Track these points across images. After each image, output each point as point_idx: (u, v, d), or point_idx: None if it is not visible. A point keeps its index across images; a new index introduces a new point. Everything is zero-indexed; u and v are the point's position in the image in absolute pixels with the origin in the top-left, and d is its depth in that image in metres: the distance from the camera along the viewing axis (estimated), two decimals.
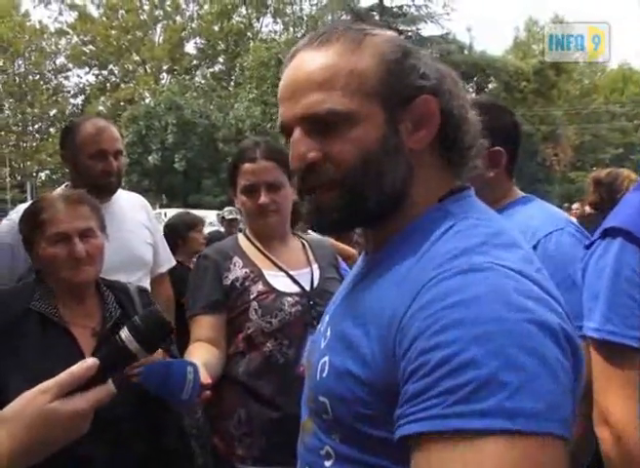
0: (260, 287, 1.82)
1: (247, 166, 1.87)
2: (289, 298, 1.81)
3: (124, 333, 0.94)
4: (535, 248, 1.48)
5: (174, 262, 2.75)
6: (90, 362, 0.90)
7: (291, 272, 1.87)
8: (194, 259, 3.06)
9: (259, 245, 1.92)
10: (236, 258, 1.88)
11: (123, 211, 2.37)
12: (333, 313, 0.93)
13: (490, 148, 1.56)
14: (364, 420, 0.75)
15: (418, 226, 0.83)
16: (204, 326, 1.79)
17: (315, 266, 1.95)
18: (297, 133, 0.84)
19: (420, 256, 0.77)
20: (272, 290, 1.82)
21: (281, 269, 1.88)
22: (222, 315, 1.81)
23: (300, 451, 0.93)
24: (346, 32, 0.85)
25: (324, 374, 0.83)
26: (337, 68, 0.81)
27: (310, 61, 0.83)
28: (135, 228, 2.39)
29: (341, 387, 0.78)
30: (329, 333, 0.88)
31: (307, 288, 1.86)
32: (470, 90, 29.83)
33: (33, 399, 0.87)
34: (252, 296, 1.80)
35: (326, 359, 0.84)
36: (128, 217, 2.37)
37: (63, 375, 0.89)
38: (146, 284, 2.33)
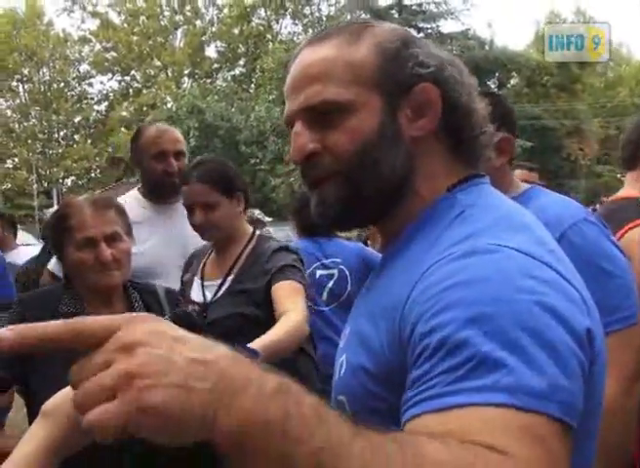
0: (188, 293, 2.04)
1: (183, 188, 2.04)
2: (192, 307, 1.95)
3: None
4: (559, 240, 1.31)
5: None
6: None
7: (205, 282, 2.02)
8: None
9: (212, 253, 2.12)
10: (195, 262, 2.12)
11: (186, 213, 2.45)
12: (352, 313, 0.93)
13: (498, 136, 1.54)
14: (379, 415, 0.74)
15: (427, 217, 0.82)
16: None
17: (230, 278, 2.02)
18: (297, 125, 0.85)
19: (430, 246, 0.76)
20: (188, 297, 2.02)
21: (202, 277, 2.06)
22: None
23: None
24: (347, 27, 0.87)
25: (342, 373, 0.83)
26: (333, 60, 0.82)
27: (309, 56, 0.85)
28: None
29: (355, 383, 0.78)
30: (347, 333, 0.88)
31: (209, 299, 1.98)
32: (492, 86, 29.59)
33: (72, 395, 0.90)
34: (182, 301, 1.95)
35: (343, 358, 0.84)
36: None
37: None
38: None
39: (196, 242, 2.45)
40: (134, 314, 0.53)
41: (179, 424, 0.49)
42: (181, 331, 0.52)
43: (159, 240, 2.27)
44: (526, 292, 0.64)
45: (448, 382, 0.60)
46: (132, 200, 2.43)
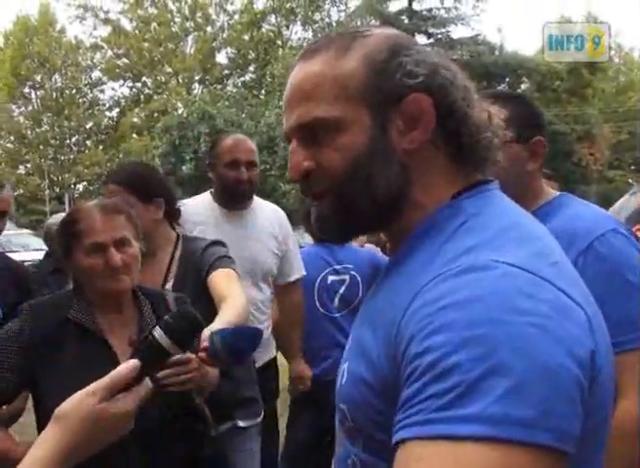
0: None
1: (102, 191, 2.09)
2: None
3: (157, 332, 0.97)
4: (586, 251, 1.34)
5: (303, 273, 2.86)
6: (132, 364, 0.96)
7: None
8: None
9: None
10: None
11: (255, 220, 2.62)
12: (356, 320, 0.91)
13: (530, 139, 1.51)
14: (379, 427, 0.73)
15: (429, 226, 0.80)
16: None
17: (169, 285, 2.02)
18: (293, 143, 0.86)
19: (431, 257, 0.75)
20: None
21: None
22: None
23: (334, 461, 0.93)
24: (337, 38, 0.84)
25: (343, 381, 0.83)
26: (321, 76, 0.81)
27: (300, 73, 0.84)
28: (262, 237, 2.61)
29: (355, 392, 0.78)
30: (351, 340, 0.88)
31: None
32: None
33: (83, 400, 0.92)
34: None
35: (345, 365, 0.84)
36: (258, 227, 2.62)
37: (108, 378, 0.94)
38: (268, 292, 2.65)
39: (264, 246, 2.62)
40: None
41: None
42: None
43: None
44: (522, 312, 0.62)
45: (434, 408, 0.60)
46: (202, 201, 2.62)
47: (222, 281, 1.93)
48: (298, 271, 2.83)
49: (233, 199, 2.56)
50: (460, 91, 0.82)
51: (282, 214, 2.83)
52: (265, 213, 2.71)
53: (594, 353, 0.65)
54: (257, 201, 2.68)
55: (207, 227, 2.49)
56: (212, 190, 2.66)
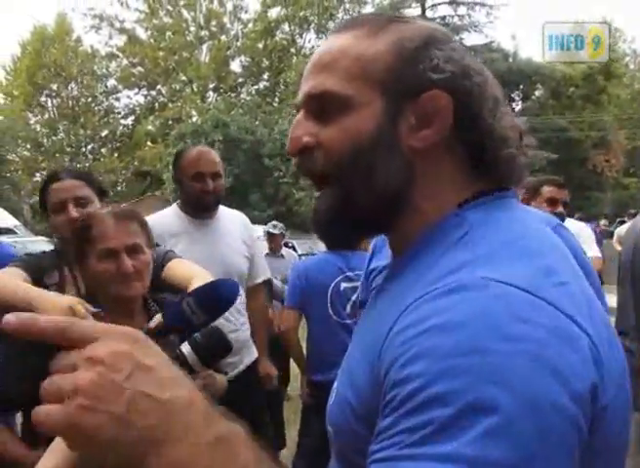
0: None
1: (54, 185, 1.97)
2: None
3: (185, 348, 0.97)
4: None
5: (269, 275, 3.00)
6: None
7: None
8: None
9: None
10: (57, 274, 1.98)
11: (223, 227, 2.70)
12: (354, 333, 0.85)
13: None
14: (362, 455, 0.65)
15: (431, 236, 0.73)
16: None
17: None
18: (299, 114, 0.79)
19: (429, 267, 0.68)
20: None
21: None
22: None
23: None
24: (374, 18, 0.79)
25: (331, 401, 0.78)
26: (346, 51, 0.75)
27: (328, 44, 0.79)
28: (232, 242, 2.69)
29: (341, 415, 0.73)
30: (345, 356, 0.82)
31: None
32: (516, 98, 29.41)
33: None
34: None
35: (336, 385, 0.79)
36: (227, 233, 2.69)
37: None
38: (243, 295, 2.69)
39: (235, 250, 2.69)
40: (117, 329, 0.55)
41: (105, 449, 0.50)
42: (153, 360, 0.52)
43: (200, 253, 2.36)
44: (513, 339, 0.55)
45: (407, 444, 0.55)
46: (171, 213, 2.68)
47: (181, 266, 1.93)
48: (264, 273, 2.91)
49: (200, 209, 2.61)
50: (488, 99, 0.75)
51: (245, 218, 2.90)
52: (230, 218, 2.78)
53: (597, 388, 0.58)
54: (220, 208, 2.74)
55: (180, 238, 2.54)
56: (178, 202, 2.73)
